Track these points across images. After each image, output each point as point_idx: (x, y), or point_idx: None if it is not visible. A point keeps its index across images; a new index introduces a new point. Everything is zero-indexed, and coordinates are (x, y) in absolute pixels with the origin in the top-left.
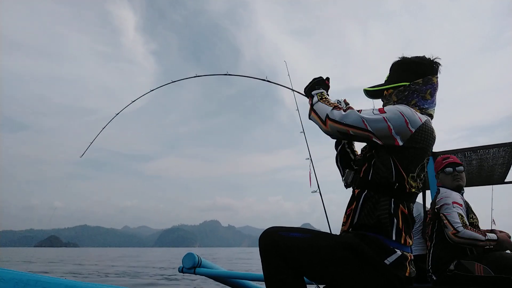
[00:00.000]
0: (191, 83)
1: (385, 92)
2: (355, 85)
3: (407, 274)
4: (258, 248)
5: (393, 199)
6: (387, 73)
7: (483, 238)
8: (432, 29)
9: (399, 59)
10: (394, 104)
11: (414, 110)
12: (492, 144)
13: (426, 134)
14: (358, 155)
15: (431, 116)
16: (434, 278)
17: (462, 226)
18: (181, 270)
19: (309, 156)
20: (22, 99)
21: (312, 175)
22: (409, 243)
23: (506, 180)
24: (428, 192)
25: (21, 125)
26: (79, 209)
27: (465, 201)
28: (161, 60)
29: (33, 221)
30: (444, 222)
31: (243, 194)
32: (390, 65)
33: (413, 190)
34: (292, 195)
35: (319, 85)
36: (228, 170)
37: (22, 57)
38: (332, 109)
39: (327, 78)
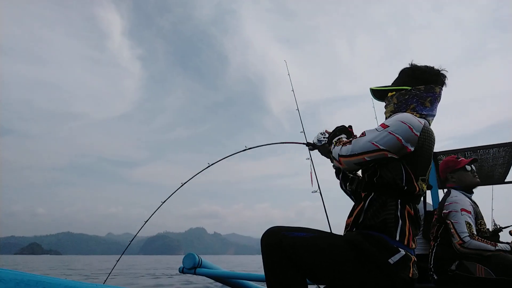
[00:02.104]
0: (178, 88)
1: (389, 93)
2: (342, 94)
3: (410, 275)
4: (243, 256)
5: (400, 201)
6: (374, 81)
7: (492, 248)
8: (417, 40)
9: (408, 65)
10: (394, 106)
11: (412, 115)
12: (492, 144)
13: (429, 135)
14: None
15: (429, 124)
16: (435, 277)
17: (469, 236)
18: (182, 271)
19: (309, 156)
20: (6, 103)
21: (311, 175)
22: (412, 245)
23: (506, 180)
24: (428, 192)
25: (4, 130)
26: (63, 216)
27: (474, 205)
28: (147, 65)
29: (14, 228)
30: (451, 231)
31: (230, 201)
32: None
33: (421, 192)
34: (279, 203)
35: (340, 132)
36: (215, 177)
37: (7, 60)
38: (341, 147)
39: (350, 126)
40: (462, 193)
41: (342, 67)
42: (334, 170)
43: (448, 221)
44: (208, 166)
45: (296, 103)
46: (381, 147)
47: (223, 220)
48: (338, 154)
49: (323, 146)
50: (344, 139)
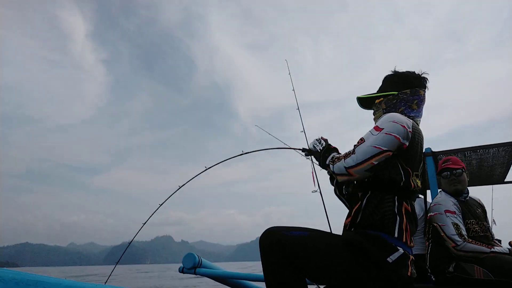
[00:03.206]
0: (143, 92)
1: (376, 100)
2: (307, 100)
3: (409, 274)
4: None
5: (397, 197)
6: (336, 88)
7: (487, 250)
8: (378, 48)
9: (391, 72)
10: (383, 112)
11: (401, 115)
12: (492, 143)
13: (418, 132)
14: None
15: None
16: (433, 278)
17: (460, 237)
18: (182, 270)
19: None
20: None
21: (313, 174)
22: (409, 243)
23: (506, 180)
24: (428, 192)
25: None
26: (20, 225)
27: (463, 206)
28: (111, 68)
29: None
30: (442, 235)
31: (197, 207)
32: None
33: (417, 188)
34: (246, 208)
35: (327, 152)
36: (182, 183)
37: None
38: (344, 160)
39: (326, 139)
40: (447, 195)
41: (306, 73)
42: (329, 176)
43: (436, 224)
44: (205, 170)
45: (296, 103)
46: (384, 148)
47: (190, 227)
48: (345, 167)
49: (318, 153)
50: (337, 155)
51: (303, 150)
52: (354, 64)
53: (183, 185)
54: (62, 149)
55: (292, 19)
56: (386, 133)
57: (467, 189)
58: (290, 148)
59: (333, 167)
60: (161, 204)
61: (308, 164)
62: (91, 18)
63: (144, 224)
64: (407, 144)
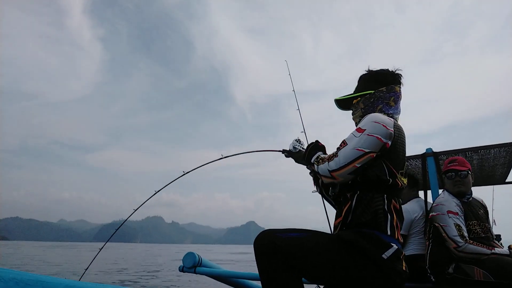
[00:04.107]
0: (140, 72)
1: (354, 101)
2: (304, 88)
3: (404, 269)
4: (200, 245)
5: (386, 195)
6: (335, 76)
7: (487, 252)
8: (378, 38)
9: (365, 72)
10: (361, 111)
11: (381, 113)
12: (493, 144)
13: (399, 131)
14: None
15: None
16: (433, 278)
17: (462, 239)
18: (182, 269)
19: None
20: None
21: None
22: (401, 239)
23: (507, 180)
24: (429, 192)
25: None
26: (11, 199)
27: (466, 207)
28: (108, 46)
29: None
30: (443, 235)
31: (189, 190)
32: (357, 76)
33: (404, 186)
34: (239, 193)
35: (314, 149)
36: (176, 165)
37: None
38: (328, 163)
39: (317, 141)
40: (450, 196)
41: (305, 60)
42: (312, 177)
43: (437, 225)
44: (183, 175)
45: (297, 103)
46: (367, 150)
47: (181, 209)
48: (328, 170)
49: (298, 153)
50: (322, 155)
51: (283, 151)
52: (354, 53)
53: (189, 172)
54: (57, 126)
55: (294, 5)
56: (368, 134)
57: (471, 190)
58: (270, 151)
59: (317, 167)
60: (157, 192)
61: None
62: None
63: (135, 210)
64: (390, 143)
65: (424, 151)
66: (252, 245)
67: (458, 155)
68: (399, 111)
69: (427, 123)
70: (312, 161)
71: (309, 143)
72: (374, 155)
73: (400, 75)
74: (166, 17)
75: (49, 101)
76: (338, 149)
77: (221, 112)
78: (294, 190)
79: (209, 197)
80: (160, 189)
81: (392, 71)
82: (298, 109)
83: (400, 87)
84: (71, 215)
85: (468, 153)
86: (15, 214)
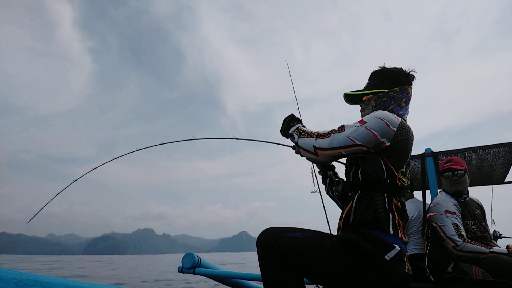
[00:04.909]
0: (131, 83)
1: (364, 97)
2: (297, 97)
3: (406, 271)
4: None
5: (386, 194)
6: (326, 85)
7: (486, 250)
8: (367, 47)
9: (379, 68)
10: (372, 109)
11: (390, 113)
12: (492, 144)
13: (406, 131)
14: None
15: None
16: (431, 278)
17: (460, 238)
18: (181, 270)
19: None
20: None
21: (312, 174)
22: (405, 238)
23: (506, 180)
24: (428, 192)
25: None
26: None
27: (463, 207)
28: (98, 59)
29: None
30: (441, 235)
31: (180, 202)
32: (370, 73)
33: (404, 184)
34: (231, 203)
35: (292, 122)
36: (167, 176)
37: None
38: (316, 139)
39: (292, 114)
40: (447, 196)
41: (296, 69)
42: (321, 176)
43: (435, 225)
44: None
45: (297, 104)
46: (358, 142)
47: (173, 221)
48: (314, 146)
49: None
50: (303, 128)
51: (294, 147)
52: (343, 62)
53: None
54: (46, 140)
55: (284, 16)
56: (366, 128)
57: (468, 190)
58: (282, 145)
59: (298, 139)
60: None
61: (308, 163)
62: (80, 6)
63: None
64: (388, 143)
65: (424, 151)
66: (244, 253)
67: (457, 155)
68: (408, 112)
69: (416, 130)
70: (290, 131)
71: (285, 117)
72: (365, 149)
73: (414, 76)
74: (157, 29)
75: (38, 115)
76: (334, 130)
77: (213, 122)
78: (286, 199)
79: (201, 208)
80: (142, 148)
81: (406, 71)
82: (298, 109)
83: (411, 89)
84: (60, 229)
85: (467, 153)
86: (2, 230)
